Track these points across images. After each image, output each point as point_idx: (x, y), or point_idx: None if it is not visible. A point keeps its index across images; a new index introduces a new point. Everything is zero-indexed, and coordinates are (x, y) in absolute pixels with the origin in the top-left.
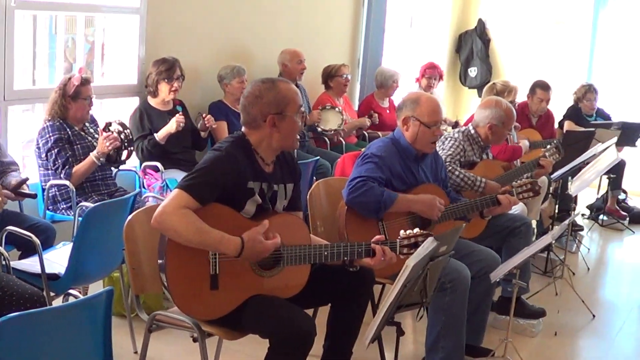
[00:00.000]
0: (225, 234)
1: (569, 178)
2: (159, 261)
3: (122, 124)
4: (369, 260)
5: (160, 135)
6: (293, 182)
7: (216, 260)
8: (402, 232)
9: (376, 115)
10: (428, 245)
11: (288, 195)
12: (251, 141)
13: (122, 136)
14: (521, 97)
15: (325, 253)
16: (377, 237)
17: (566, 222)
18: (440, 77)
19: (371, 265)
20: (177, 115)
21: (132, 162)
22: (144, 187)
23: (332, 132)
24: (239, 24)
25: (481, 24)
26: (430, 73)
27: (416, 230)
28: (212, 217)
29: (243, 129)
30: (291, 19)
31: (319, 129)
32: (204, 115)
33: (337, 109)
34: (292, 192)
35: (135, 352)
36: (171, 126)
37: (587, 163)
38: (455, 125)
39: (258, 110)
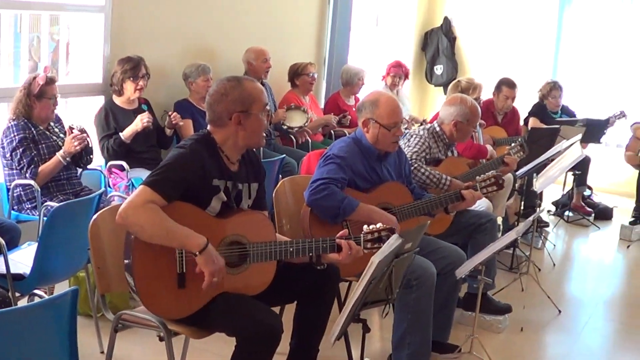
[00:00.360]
0: (192, 231)
1: (534, 175)
2: (125, 261)
3: (82, 130)
4: (336, 255)
5: (126, 134)
6: (257, 182)
7: (183, 258)
8: (365, 227)
9: (349, 117)
10: (393, 242)
11: (252, 195)
12: (217, 139)
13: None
14: (487, 94)
15: (291, 249)
16: (341, 232)
17: (531, 218)
18: (406, 76)
19: (339, 260)
20: (142, 114)
21: (98, 162)
22: (109, 187)
23: (297, 129)
24: (205, 22)
25: (447, 21)
26: (395, 72)
27: (379, 225)
28: (176, 214)
29: (209, 127)
30: (257, 17)
31: (284, 127)
32: (170, 112)
33: (302, 108)
34: (256, 192)
35: (102, 352)
36: (137, 125)
37: (552, 160)
38: (422, 123)
39: (223, 108)
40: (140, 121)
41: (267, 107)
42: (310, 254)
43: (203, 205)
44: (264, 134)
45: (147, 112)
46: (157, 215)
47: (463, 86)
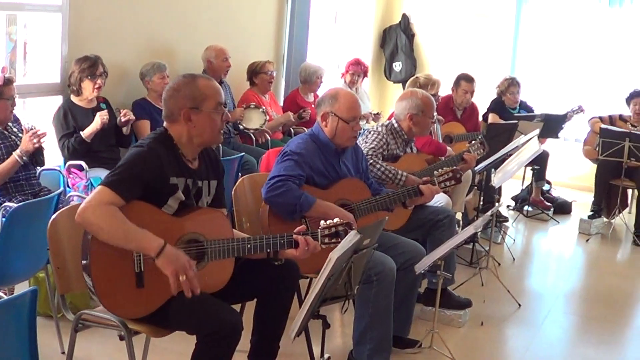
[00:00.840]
0: (149, 232)
1: (493, 170)
2: (83, 262)
3: (33, 129)
4: (294, 251)
5: (86, 132)
6: (216, 179)
7: (140, 257)
8: (322, 222)
9: (309, 110)
10: (351, 238)
11: (212, 192)
12: (173, 136)
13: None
14: (445, 90)
15: (249, 246)
16: (299, 227)
17: (489, 213)
18: (365, 74)
19: (296, 256)
20: (100, 112)
21: (56, 162)
22: (68, 187)
23: (254, 131)
24: (163, 20)
25: (405, 19)
26: (354, 69)
27: (336, 219)
28: (134, 214)
29: (165, 123)
30: (215, 15)
31: (241, 127)
32: (121, 110)
33: (261, 109)
34: (215, 189)
35: (63, 353)
36: (97, 122)
37: (510, 155)
38: (377, 116)
39: (174, 103)
40: (100, 119)
41: (222, 107)
42: (268, 250)
43: (161, 204)
44: (221, 132)
45: (105, 111)
46: (116, 216)
47: (421, 82)
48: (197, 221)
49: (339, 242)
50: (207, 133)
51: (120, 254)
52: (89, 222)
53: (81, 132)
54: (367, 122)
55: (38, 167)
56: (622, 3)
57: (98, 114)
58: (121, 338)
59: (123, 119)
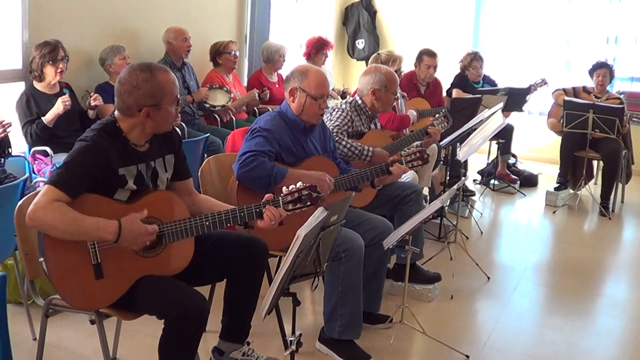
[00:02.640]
0: (102, 219)
1: (458, 144)
2: (40, 259)
3: None
4: (260, 222)
5: (48, 117)
6: (172, 152)
7: (95, 248)
8: (284, 188)
9: (267, 91)
10: (318, 215)
11: (169, 167)
12: (122, 127)
13: None
14: (409, 66)
15: (207, 223)
16: (266, 196)
17: (455, 187)
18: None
19: (260, 227)
20: (63, 97)
21: (21, 148)
22: (34, 173)
23: (220, 108)
24: (124, 3)
25: None
26: (318, 47)
27: (299, 184)
28: (85, 206)
29: (116, 113)
30: None
31: (207, 105)
32: (91, 93)
33: (225, 88)
34: (174, 162)
35: (35, 339)
36: (58, 107)
37: (475, 129)
38: (344, 94)
39: (134, 100)
40: (62, 103)
41: (178, 99)
42: (229, 225)
43: (110, 194)
44: (179, 118)
45: (67, 95)
46: (66, 212)
47: (383, 59)
48: (149, 205)
49: (304, 207)
50: (163, 125)
51: (75, 248)
52: (41, 222)
53: (43, 118)
54: (331, 98)
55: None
56: None
57: (60, 99)
58: (92, 322)
59: (92, 103)
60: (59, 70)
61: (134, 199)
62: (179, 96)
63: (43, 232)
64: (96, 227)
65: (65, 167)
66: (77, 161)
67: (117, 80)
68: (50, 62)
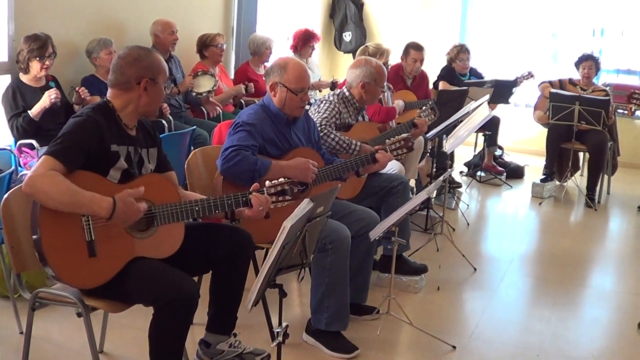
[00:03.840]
0: (97, 194)
1: (444, 136)
2: (33, 237)
3: None
4: (247, 210)
5: (34, 111)
6: (155, 146)
7: (90, 225)
8: (267, 182)
9: (252, 84)
10: (304, 206)
11: (153, 159)
12: (115, 106)
13: None
14: (396, 59)
15: (197, 208)
16: (253, 186)
17: (441, 178)
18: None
19: (249, 215)
20: (50, 90)
21: (7, 141)
22: (20, 166)
23: (207, 93)
24: None
25: None
26: (305, 40)
27: (281, 179)
28: (80, 182)
29: (109, 92)
30: None
31: (194, 93)
32: (77, 88)
33: (209, 72)
34: (156, 156)
35: (21, 333)
36: (44, 101)
37: (461, 121)
38: (333, 85)
39: (134, 71)
40: (48, 97)
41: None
42: (217, 211)
43: (103, 173)
44: (165, 105)
45: (54, 89)
46: (62, 181)
47: (370, 52)
48: (144, 186)
49: (287, 200)
50: (154, 104)
51: (70, 224)
52: (37, 189)
53: (29, 111)
54: (319, 91)
55: None
56: None
57: (47, 93)
58: (79, 315)
59: (82, 96)
60: (44, 67)
61: (127, 180)
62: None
63: (38, 201)
64: (91, 200)
65: (61, 139)
66: (72, 133)
67: (116, 57)
68: (37, 58)
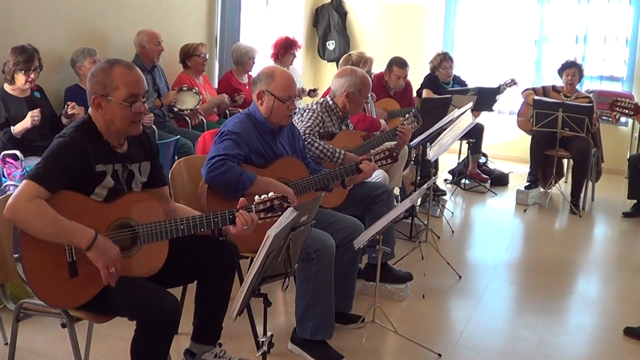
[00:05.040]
0: (80, 225)
1: (428, 144)
2: (14, 255)
3: None
4: (232, 228)
5: (16, 129)
6: (149, 159)
7: (72, 247)
8: (256, 197)
9: (242, 95)
10: (288, 215)
11: (145, 173)
12: (96, 123)
13: None
14: (379, 67)
15: (182, 227)
16: (240, 200)
17: (425, 186)
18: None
19: (233, 233)
20: (33, 111)
21: None
22: (3, 176)
23: (189, 112)
24: (93, 6)
25: None
26: (285, 48)
27: (271, 194)
28: (63, 203)
29: (89, 109)
30: None
31: (176, 109)
32: (68, 103)
33: (194, 89)
34: (150, 169)
35: (6, 344)
36: (26, 121)
37: (445, 129)
38: (314, 92)
39: (89, 88)
40: (31, 118)
41: (140, 98)
42: (202, 230)
43: (89, 193)
44: (137, 123)
45: (37, 110)
46: (45, 211)
47: (354, 60)
48: (127, 206)
49: (275, 216)
50: (117, 123)
51: (51, 244)
52: (18, 217)
53: (12, 128)
54: (300, 97)
55: None
56: None
57: (29, 114)
58: (63, 325)
59: (70, 112)
60: (29, 79)
61: (111, 199)
62: (142, 97)
63: (19, 227)
64: (72, 231)
65: (43, 163)
66: (55, 156)
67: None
68: (23, 71)
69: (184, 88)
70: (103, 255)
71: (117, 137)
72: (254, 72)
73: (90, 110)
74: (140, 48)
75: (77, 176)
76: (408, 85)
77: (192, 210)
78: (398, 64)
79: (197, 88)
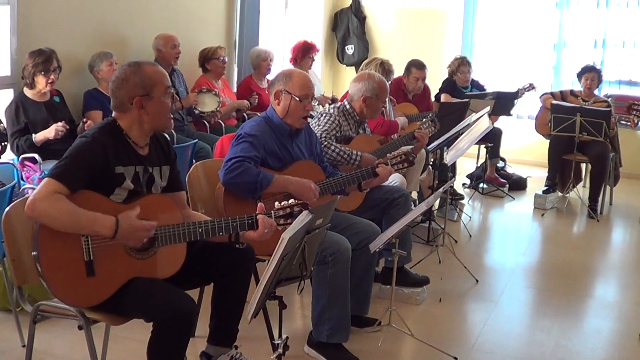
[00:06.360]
0: (99, 214)
1: (445, 148)
2: (33, 253)
3: None
4: (252, 233)
5: (37, 138)
6: (168, 164)
7: (89, 245)
8: (277, 203)
9: (256, 96)
10: (303, 218)
11: (165, 177)
12: (122, 126)
13: None
14: (398, 72)
15: (200, 230)
16: (259, 205)
17: (441, 189)
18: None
19: (254, 237)
20: (59, 123)
21: (10, 155)
22: (22, 180)
23: (209, 114)
24: (113, 10)
25: (356, 1)
26: (304, 52)
27: (291, 201)
28: (82, 203)
29: (114, 114)
30: (165, 3)
31: (196, 112)
32: (85, 120)
33: (213, 91)
34: (169, 174)
35: (24, 346)
36: (50, 132)
37: (462, 133)
38: (333, 101)
39: (125, 93)
40: (55, 130)
41: (170, 90)
42: (229, 233)
43: (108, 194)
44: (171, 117)
45: (62, 122)
46: (65, 203)
47: (385, 69)
48: (145, 207)
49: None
50: (160, 118)
51: (68, 243)
52: (39, 213)
53: (33, 136)
54: (321, 105)
55: None
56: None
57: (54, 126)
58: (80, 328)
59: (87, 129)
60: (49, 81)
61: (130, 200)
62: (170, 89)
63: (41, 223)
64: (94, 221)
65: (65, 161)
66: (76, 155)
67: (110, 82)
68: (42, 73)
69: (204, 90)
70: (131, 236)
71: (146, 137)
72: (272, 76)
73: (117, 114)
74: (158, 52)
75: (96, 176)
76: (426, 90)
77: (207, 217)
78: (416, 65)
79: (216, 90)
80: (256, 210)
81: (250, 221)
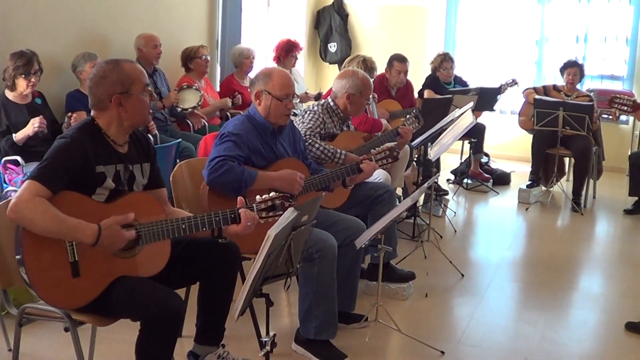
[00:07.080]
0: (82, 221)
1: (429, 144)
2: (17, 257)
3: None
4: (235, 226)
5: (18, 136)
6: (148, 161)
7: (73, 246)
8: (257, 197)
9: (239, 96)
10: (289, 215)
11: (146, 174)
12: (101, 124)
13: None
14: (380, 69)
15: (183, 226)
16: (239, 199)
17: (426, 184)
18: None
19: (237, 231)
20: (36, 118)
21: None
22: (5, 182)
23: (192, 110)
24: (95, 11)
25: None
26: (287, 50)
27: (272, 193)
28: (64, 203)
29: (92, 112)
30: (147, 2)
31: (179, 109)
32: (70, 115)
33: (194, 86)
34: (150, 171)
35: (10, 350)
36: (28, 129)
37: (446, 129)
38: (318, 96)
39: (103, 90)
40: (32, 126)
41: (149, 87)
42: (204, 229)
43: (90, 194)
44: (149, 112)
45: (39, 117)
46: (47, 208)
47: (368, 66)
48: (127, 206)
49: (277, 215)
50: (139, 115)
51: (53, 245)
52: (22, 216)
53: (13, 135)
54: (303, 102)
55: None
56: None
57: (31, 121)
58: (66, 330)
59: (72, 123)
60: (30, 84)
61: (112, 199)
62: (149, 86)
63: (23, 226)
64: (75, 228)
65: (45, 162)
66: (56, 156)
67: (87, 80)
68: (23, 76)
69: (184, 87)
70: (111, 245)
71: (125, 134)
72: (253, 74)
73: (95, 113)
74: (139, 52)
75: (77, 176)
76: (409, 86)
77: (189, 213)
78: (398, 59)
79: (197, 84)
80: (239, 202)
81: (232, 215)
